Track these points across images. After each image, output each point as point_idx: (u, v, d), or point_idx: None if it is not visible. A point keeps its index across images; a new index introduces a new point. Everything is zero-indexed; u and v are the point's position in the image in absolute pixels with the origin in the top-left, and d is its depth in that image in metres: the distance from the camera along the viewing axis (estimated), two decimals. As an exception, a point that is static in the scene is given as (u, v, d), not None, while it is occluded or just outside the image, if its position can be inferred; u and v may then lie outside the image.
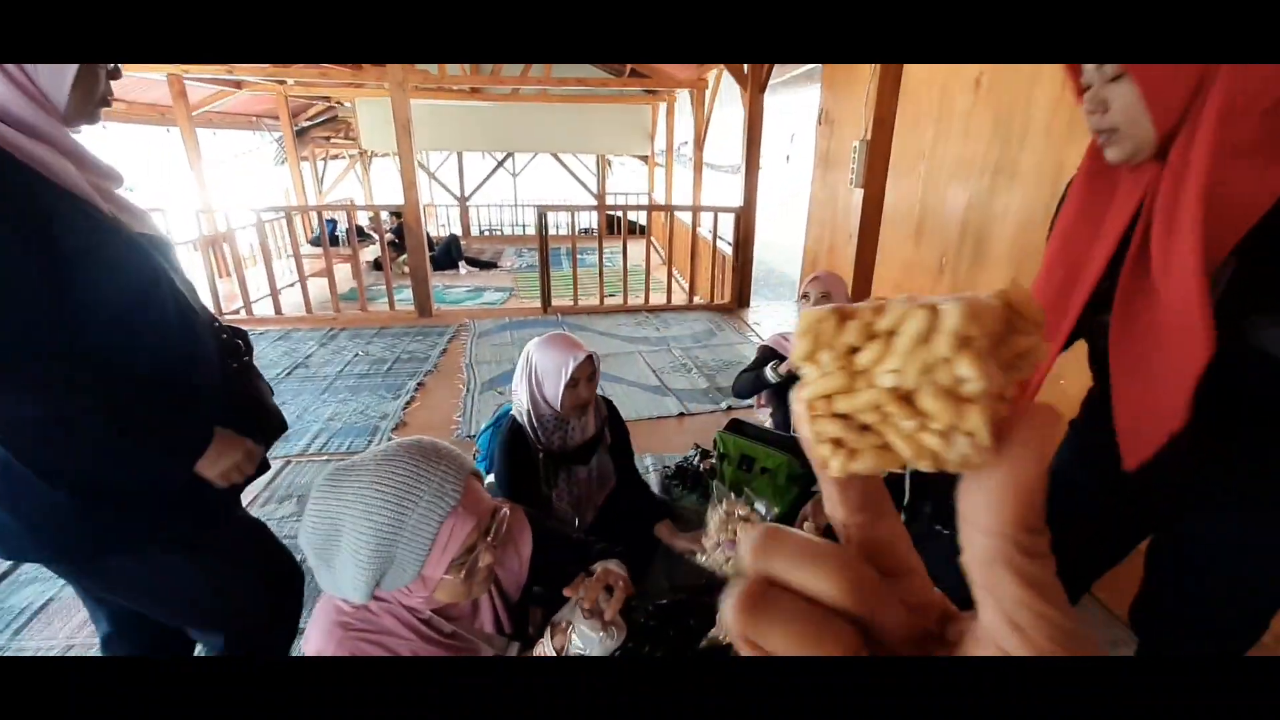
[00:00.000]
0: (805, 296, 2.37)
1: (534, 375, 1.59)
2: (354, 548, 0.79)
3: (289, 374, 3.58)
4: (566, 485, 1.70)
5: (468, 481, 0.88)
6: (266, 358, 3.85)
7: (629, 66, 7.62)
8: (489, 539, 0.89)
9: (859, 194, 2.92)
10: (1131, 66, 0.75)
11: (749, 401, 2.79)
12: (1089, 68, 0.81)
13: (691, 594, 1.63)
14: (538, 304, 5.02)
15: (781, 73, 4.87)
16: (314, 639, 0.89)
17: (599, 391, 1.76)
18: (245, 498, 2.30)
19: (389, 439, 2.77)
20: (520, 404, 1.64)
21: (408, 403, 3.18)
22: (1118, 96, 0.78)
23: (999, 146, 2.64)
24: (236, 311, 4.73)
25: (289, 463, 2.56)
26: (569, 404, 1.59)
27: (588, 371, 1.61)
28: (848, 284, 2.87)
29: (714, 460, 2.24)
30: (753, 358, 2.42)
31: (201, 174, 6.09)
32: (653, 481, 2.37)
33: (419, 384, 3.43)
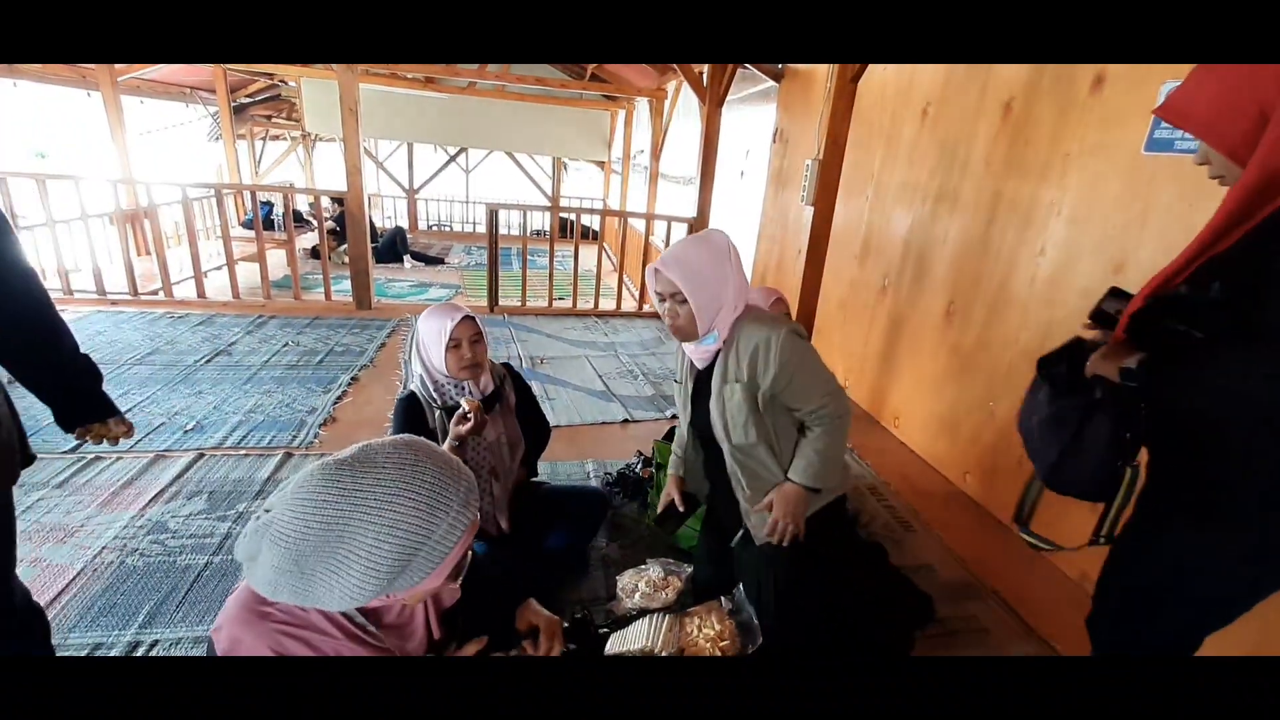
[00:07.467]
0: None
1: (420, 343, 1.65)
2: (369, 555, 0.75)
3: (209, 361, 3.34)
4: (474, 450, 1.68)
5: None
6: (185, 343, 3.59)
7: (589, 70, 7.59)
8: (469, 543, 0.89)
9: (809, 211, 2.98)
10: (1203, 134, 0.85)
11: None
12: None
13: (591, 618, 1.62)
14: (484, 303, 4.90)
15: (740, 89, 4.95)
16: (229, 629, 0.81)
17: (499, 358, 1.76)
18: (148, 491, 2.12)
19: (316, 434, 2.63)
20: (415, 372, 1.69)
21: (339, 398, 3.02)
22: (1215, 154, 0.86)
23: (941, 174, 2.75)
24: (155, 292, 4.41)
25: (202, 455, 2.38)
26: (454, 366, 1.61)
27: (469, 332, 1.62)
28: (789, 299, 2.90)
29: (653, 469, 2.22)
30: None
31: (124, 144, 5.68)
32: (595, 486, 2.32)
33: (353, 378, 3.27)
